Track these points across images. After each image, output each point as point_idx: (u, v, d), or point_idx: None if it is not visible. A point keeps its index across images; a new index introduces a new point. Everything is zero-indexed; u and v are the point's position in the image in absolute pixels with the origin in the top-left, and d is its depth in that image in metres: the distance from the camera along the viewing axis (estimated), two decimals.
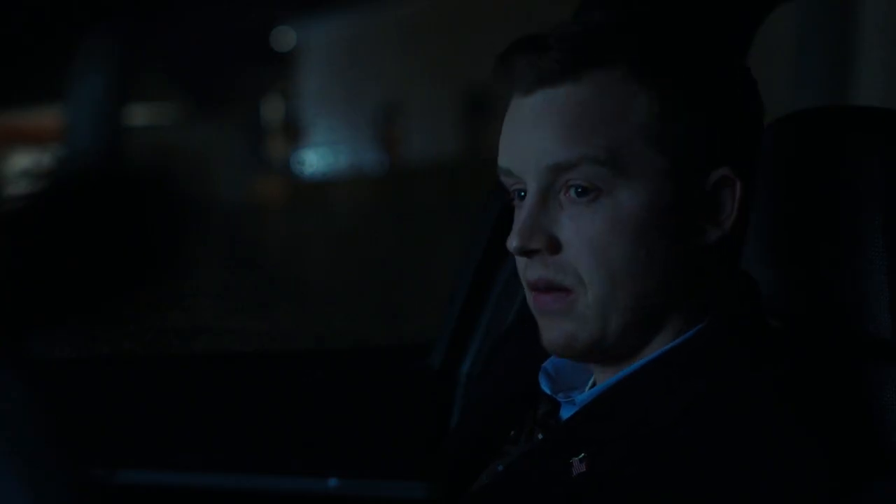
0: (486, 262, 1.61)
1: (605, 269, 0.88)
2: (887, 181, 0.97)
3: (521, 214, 0.91)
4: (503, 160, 0.94)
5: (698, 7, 1.42)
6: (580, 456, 0.89)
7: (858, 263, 0.98)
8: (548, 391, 0.99)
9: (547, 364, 1.01)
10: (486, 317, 1.64)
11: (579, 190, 0.88)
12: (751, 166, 0.93)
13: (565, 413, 0.99)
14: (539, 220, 0.90)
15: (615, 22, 0.92)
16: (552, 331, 0.92)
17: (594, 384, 0.99)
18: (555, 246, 0.90)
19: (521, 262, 0.93)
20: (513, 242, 0.90)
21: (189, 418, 1.58)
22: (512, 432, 1.03)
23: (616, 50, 0.88)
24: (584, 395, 0.96)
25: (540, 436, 0.99)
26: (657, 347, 0.93)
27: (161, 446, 1.56)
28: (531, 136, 0.90)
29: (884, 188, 0.97)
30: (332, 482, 1.58)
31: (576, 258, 0.89)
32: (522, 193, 0.92)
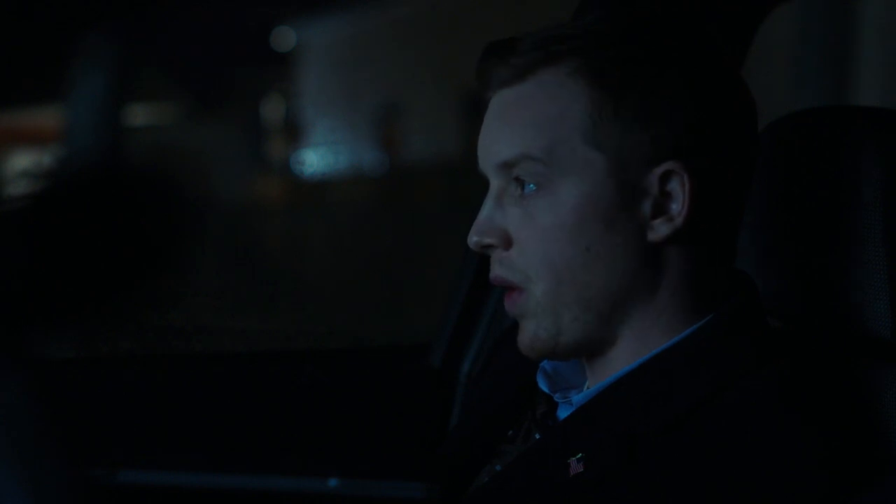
0: (486, 262, 1.61)
1: (548, 265, 0.90)
2: (887, 181, 0.97)
3: (480, 211, 0.95)
4: (478, 160, 0.97)
5: (698, 6, 1.42)
6: (577, 456, 0.89)
7: (858, 263, 0.98)
8: (546, 390, 0.99)
9: (545, 363, 1.01)
10: (486, 317, 1.64)
11: (526, 186, 0.91)
12: (711, 162, 0.90)
13: (563, 413, 0.99)
14: (493, 217, 0.94)
15: (569, 25, 0.94)
16: (520, 332, 0.95)
17: (591, 384, 0.99)
18: (508, 242, 0.93)
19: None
20: (471, 238, 0.95)
21: (189, 418, 1.58)
22: (510, 432, 1.03)
23: (561, 51, 0.91)
24: (580, 396, 0.96)
25: (537, 436, 0.99)
26: (638, 346, 0.92)
27: (161, 446, 1.56)
28: (488, 135, 0.95)
29: (884, 188, 0.97)
30: (332, 482, 1.58)
31: (522, 254, 0.92)
32: None
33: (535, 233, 0.91)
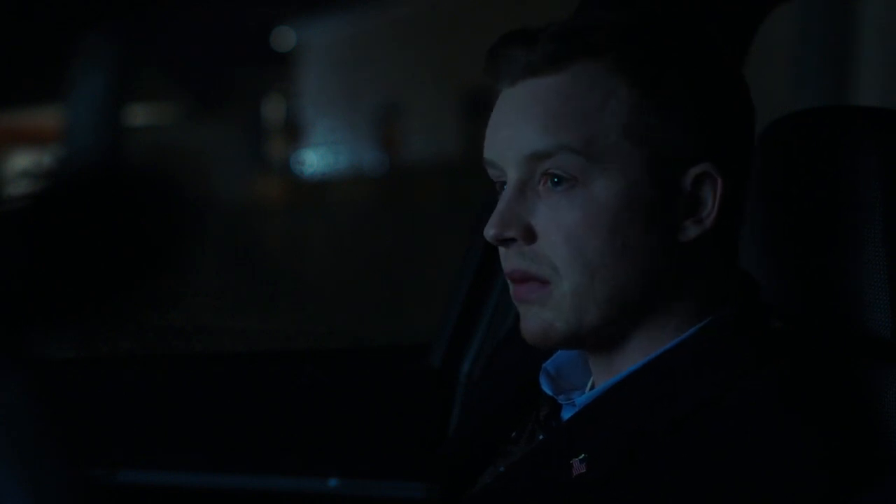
0: (487, 262, 1.61)
1: (581, 260, 0.88)
2: (887, 181, 0.97)
3: (499, 203, 0.92)
4: (487, 151, 0.94)
5: (698, 6, 1.42)
6: (580, 457, 0.89)
7: (858, 263, 0.98)
8: (549, 392, 0.99)
9: (548, 364, 1.01)
10: (486, 317, 1.64)
11: (556, 179, 0.89)
12: (738, 164, 0.92)
13: (566, 414, 0.98)
14: (516, 210, 0.90)
15: (604, 18, 0.93)
16: (529, 320, 0.92)
17: (594, 385, 0.99)
18: (530, 235, 0.90)
19: (501, 252, 0.94)
20: (489, 231, 0.91)
21: (189, 418, 1.58)
22: (513, 433, 1.03)
23: (600, 43, 0.89)
24: (584, 397, 0.95)
25: (540, 437, 0.99)
26: (647, 346, 0.92)
27: (161, 446, 1.56)
28: (513, 126, 0.91)
29: (883, 188, 0.97)
30: (332, 482, 1.58)
31: (551, 248, 0.89)
32: (506, 186, 0.93)
33: (568, 228, 0.88)
